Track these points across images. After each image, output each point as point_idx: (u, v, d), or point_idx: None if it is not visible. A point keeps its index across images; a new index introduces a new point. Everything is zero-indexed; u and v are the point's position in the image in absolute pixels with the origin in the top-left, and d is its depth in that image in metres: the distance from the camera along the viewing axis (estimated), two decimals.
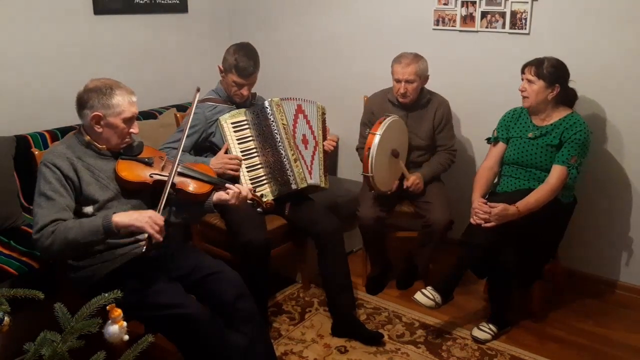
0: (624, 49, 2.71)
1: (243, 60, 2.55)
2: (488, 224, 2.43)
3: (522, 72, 2.59)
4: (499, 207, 2.41)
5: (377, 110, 2.95)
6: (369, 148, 2.62)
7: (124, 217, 1.87)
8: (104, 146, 2.03)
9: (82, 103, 1.98)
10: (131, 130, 2.03)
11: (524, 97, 2.60)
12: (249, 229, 2.48)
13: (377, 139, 2.62)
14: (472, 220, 2.50)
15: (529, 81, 2.55)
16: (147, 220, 1.85)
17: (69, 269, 2.05)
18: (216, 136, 2.63)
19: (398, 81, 2.81)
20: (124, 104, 1.97)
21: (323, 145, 2.75)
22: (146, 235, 1.92)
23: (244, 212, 2.51)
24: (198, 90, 2.21)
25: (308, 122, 2.71)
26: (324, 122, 2.77)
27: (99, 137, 2.02)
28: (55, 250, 1.84)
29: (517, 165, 2.66)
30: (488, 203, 2.46)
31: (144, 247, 1.88)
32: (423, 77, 2.83)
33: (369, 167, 2.63)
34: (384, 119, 2.69)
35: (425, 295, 2.47)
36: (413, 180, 2.78)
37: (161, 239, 1.87)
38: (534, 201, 2.45)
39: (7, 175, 2.66)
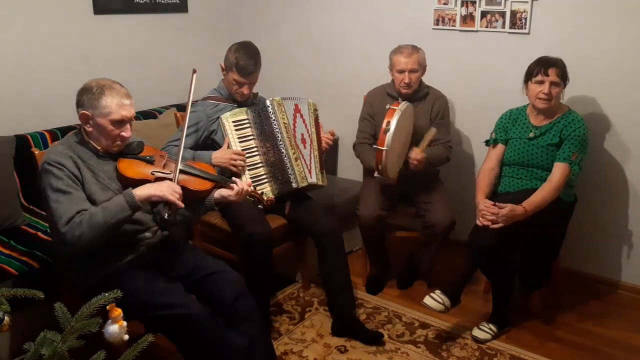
0: (623, 48, 2.71)
1: (244, 59, 2.57)
2: (496, 225, 2.40)
3: (546, 73, 2.46)
4: (506, 208, 2.39)
5: (376, 104, 2.95)
6: (389, 121, 2.50)
7: (144, 190, 1.92)
8: (100, 147, 2.01)
9: (76, 101, 1.98)
10: (122, 133, 1.98)
11: (544, 100, 2.49)
12: (252, 223, 2.49)
13: (397, 114, 2.52)
14: (478, 222, 2.47)
15: (555, 83, 2.47)
16: (166, 188, 1.92)
17: (69, 268, 2.04)
18: (218, 134, 2.63)
19: (401, 72, 2.80)
20: (111, 105, 1.93)
21: (318, 142, 2.74)
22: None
23: (246, 208, 2.51)
24: (194, 71, 2.19)
25: (304, 121, 2.71)
26: (316, 119, 2.76)
27: (92, 137, 2.01)
28: (86, 239, 1.83)
29: (519, 166, 2.65)
30: (496, 204, 2.44)
31: (166, 214, 1.94)
32: (423, 66, 2.85)
33: (386, 140, 2.50)
34: (399, 103, 2.62)
35: (435, 299, 2.46)
36: (422, 155, 2.69)
37: (182, 205, 1.94)
38: (540, 199, 2.44)
39: (7, 175, 2.66)
